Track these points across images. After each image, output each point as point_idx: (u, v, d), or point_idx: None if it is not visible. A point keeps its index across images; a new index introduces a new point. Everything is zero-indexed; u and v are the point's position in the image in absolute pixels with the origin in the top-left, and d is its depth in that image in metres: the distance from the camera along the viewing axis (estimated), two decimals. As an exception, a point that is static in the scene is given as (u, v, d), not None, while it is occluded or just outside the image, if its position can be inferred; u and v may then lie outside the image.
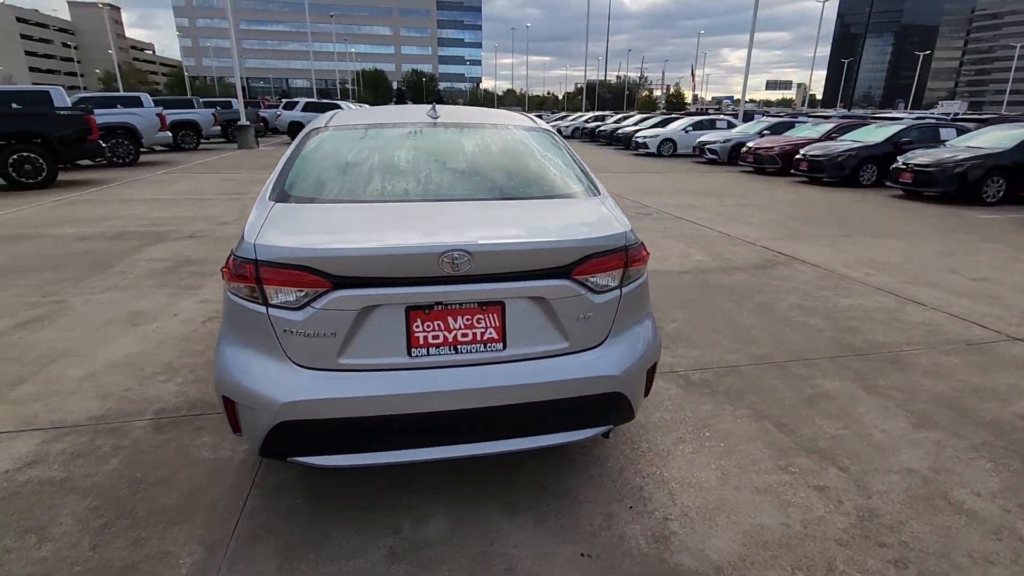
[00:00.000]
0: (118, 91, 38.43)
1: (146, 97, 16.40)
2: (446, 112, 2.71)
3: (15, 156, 9.39)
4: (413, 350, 1.74)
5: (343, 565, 1.79)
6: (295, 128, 21.51)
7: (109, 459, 2.32)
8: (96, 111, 11.48)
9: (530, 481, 2.21)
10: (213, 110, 18.54)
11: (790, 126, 15.56)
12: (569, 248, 1.80)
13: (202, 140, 18.81)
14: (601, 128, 24.98)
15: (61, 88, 12.71)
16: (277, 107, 24.89)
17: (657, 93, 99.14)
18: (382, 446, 1.80)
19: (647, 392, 2.18)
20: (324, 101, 21.97)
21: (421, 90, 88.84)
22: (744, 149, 14.12)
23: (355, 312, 1.68)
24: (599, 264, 1.84)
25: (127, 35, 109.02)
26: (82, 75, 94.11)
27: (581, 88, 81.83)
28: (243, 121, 18.81)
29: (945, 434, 2.54)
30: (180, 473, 2.23)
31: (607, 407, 1.93)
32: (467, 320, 1.76)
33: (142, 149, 14.43)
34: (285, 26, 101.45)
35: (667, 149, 18.55)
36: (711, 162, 16.53)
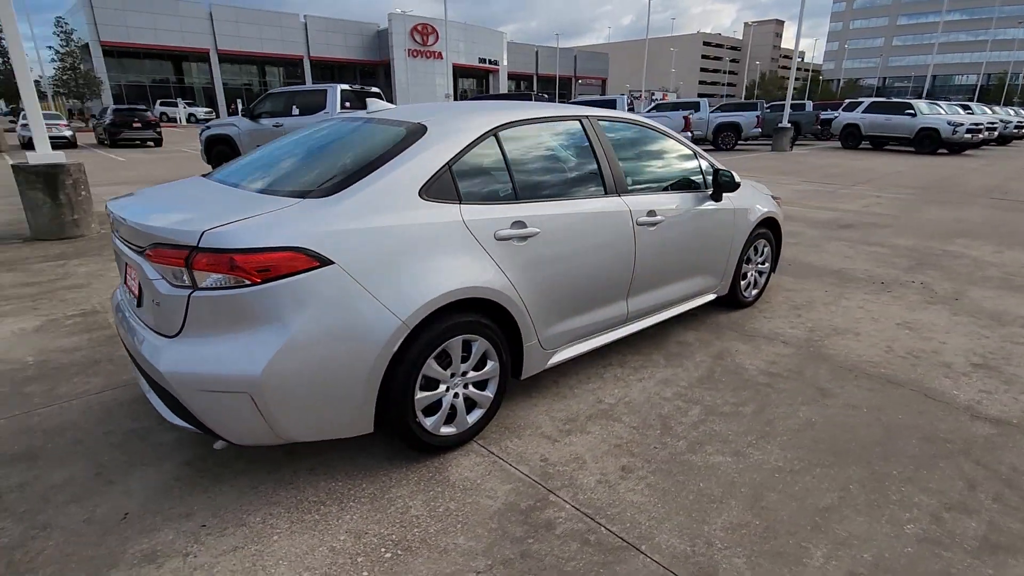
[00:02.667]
0: (755, 97, 43.52)
1: (704, 102, 18.82)
2: (397, 110, 2.72)
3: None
4: (129, 294, 2.28)
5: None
6: (849, 132, 19.26)
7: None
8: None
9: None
10: (759, 112, 18.95)
11: None
12: (140, 230, 1.88)
13: (740, 141, 19.67)
14: None
15: (624, 96, 16.24)
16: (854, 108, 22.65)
17: None
18: None
19: (203, 430, 1.89)
20: (893, 101, 18.43)
21: None
22: None
23: (112, 250, 2.38)
24: (159, 254, 1.83)
25: (782, 46, 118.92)
26: (733, 84, 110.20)
27: None
28: (783, 123, 18.42)
29: None
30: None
31: (174, 401, 1.89)
32: (134, 276, 2.14)
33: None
34: (959, 15, 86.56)
35: None
36: None
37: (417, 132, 2.30)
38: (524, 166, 2.53)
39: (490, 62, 61.22)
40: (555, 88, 67.97)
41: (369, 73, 58.40)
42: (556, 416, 2.63)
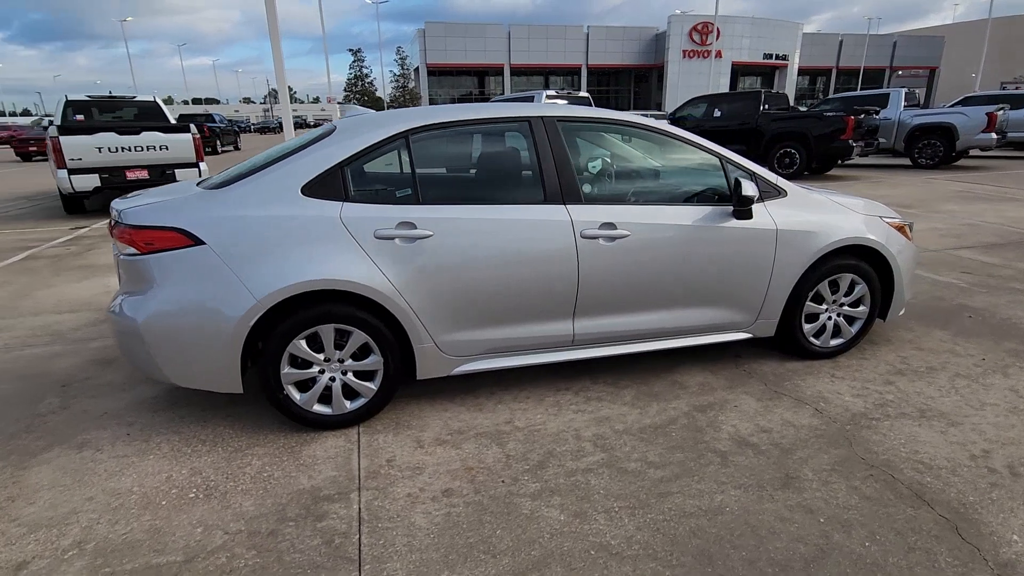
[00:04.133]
0: None
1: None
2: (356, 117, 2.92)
3: (781, 151, 11.37)
4: None
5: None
6: None
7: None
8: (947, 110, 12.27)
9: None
10: None
11: None
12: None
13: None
14: None
15: (903, 90, 13.28)
16: None
17: None
18: None
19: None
20: None
21: None
22: None
23: None
24: (109, 227, 2.42)
25: None
26: None
27: None
28: None
29: None
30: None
31: None
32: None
33: (967, 151, 12.92)
34: None
35: None
36: None
37: (326, 134, 2.51)
38: (434, 169, 2.51)
39: (777, 57, 55.31)
40: (858, 82, 57.77)
41: (642, 77, 58.83)
42: (451, 425, 2.56)
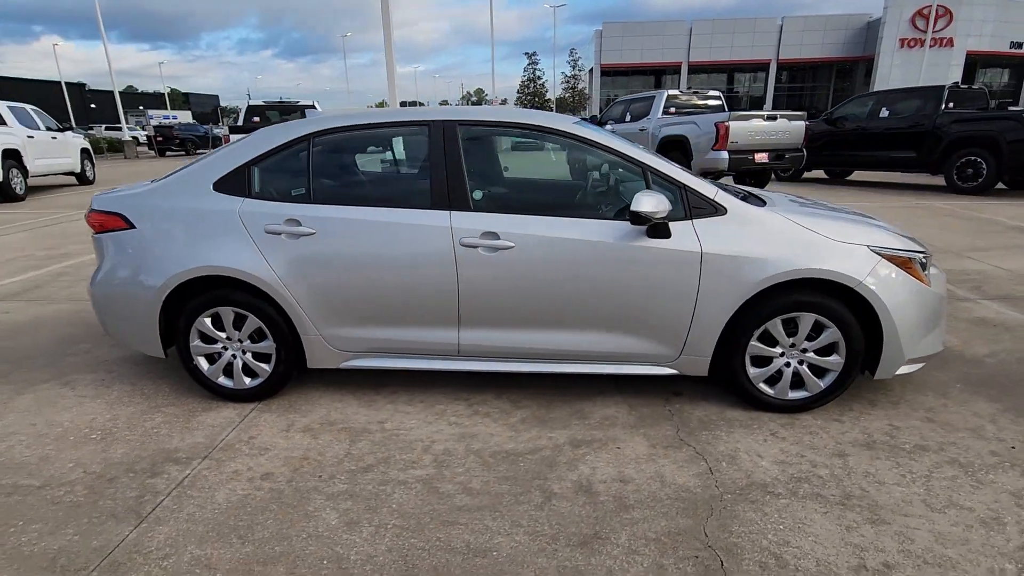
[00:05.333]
0: None
1: None
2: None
3: (962, 160, 9.27)
4: None
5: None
6: None
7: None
8: None
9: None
10: None
11: None
12: (107, 195, 3.03)
13: None
14: None
15: None
16: None
17: None
18: None
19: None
20: None
21: None
22: None
23: None
24: None
25: None
26: None
27: None
28: None
29: None
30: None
31: None
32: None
33: None
34: None
35: None
36: None
37: (248, 136, 2.76)
38: (328, 171, 2.60)
39: (1033, 45, 44.49)
40: None
41: (846, 73, 51.87)
42: (331, 416, 2.66)
